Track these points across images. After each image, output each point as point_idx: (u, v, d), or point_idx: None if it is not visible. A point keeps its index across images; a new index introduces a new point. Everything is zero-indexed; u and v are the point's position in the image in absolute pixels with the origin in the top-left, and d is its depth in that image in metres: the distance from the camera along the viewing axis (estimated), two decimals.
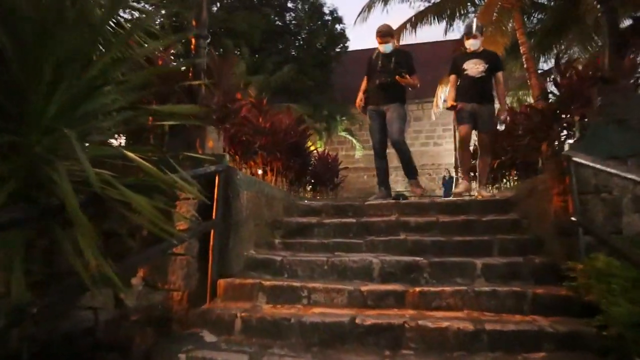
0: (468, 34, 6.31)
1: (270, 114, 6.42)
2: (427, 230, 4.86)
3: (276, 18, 24.71)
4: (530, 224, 4.60)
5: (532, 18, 14.30)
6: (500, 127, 6.27)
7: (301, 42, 24.78)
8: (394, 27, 17.01)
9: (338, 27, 25.47)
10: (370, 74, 6.43)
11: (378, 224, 4.99)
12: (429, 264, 3.99)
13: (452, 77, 6.46)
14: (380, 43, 6.28)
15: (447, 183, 21.40)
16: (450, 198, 5.96)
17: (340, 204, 5.67)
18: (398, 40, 15.07)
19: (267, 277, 4.16)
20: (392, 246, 4.49)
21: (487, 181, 6.50)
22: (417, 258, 4.07)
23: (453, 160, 23.78)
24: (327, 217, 5.32)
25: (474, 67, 6.15)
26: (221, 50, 22.21)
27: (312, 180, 8.91)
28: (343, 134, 25.44)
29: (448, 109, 6.50)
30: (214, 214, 4.00)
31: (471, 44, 6.29)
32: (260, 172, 6.39)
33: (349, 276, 4.06)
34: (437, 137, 27.78)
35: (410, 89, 6.32)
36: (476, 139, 6.35)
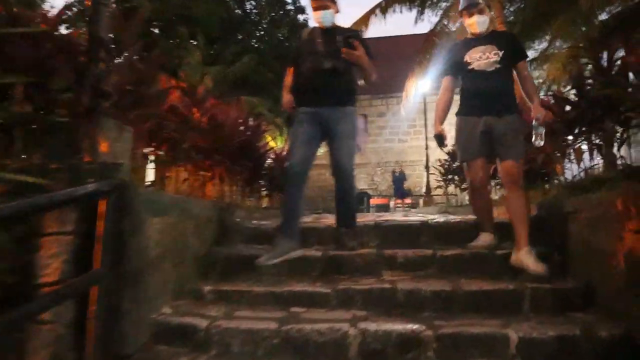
0: (470, 6, 3.68)
1: (212, 105, 4.82)
2: (421, 268, 3.40)
3: (236, 6, 22.97)
4: (572, 263, 3.19)
5: (512, 7, 13.02)
6: (540, 142, 3.75)
7: (262, 33, 23.16)
8: (361, 12, 15.58)
9: (301, 17, 23.99)
10: (301, 60, 3.81)
11: (352, 259, 3.49)
12: (436, 337, 2.51)
13: (446, 80, 3.84)
14: (315, 9, 3.75)
15: (398, 180, 20.14)
16: (446, 219, 4.33)
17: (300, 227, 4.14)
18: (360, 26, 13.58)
19: (184, 356, 2.60)
20: (374, 299, 2.99)
21: (527, 236, 3.28)
22: (416, 326, 2.58)
23: (420, 158, 22.58)
24: None
25: (482, 58, 3.56)
26: (177, 40, 20.48)
27: (267, 186, 7.37)
28: None
29: (438, 141, 3.85)
30: (97, 259, 2.43)
31: (476, 23, 3.64)
32: (203, 181, 4.83)
33: (311, 357, 2.55)
34: (401, 134, 26.60)
35: (362, 81, 3.90)
36: (498, 170, 3.66)
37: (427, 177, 17.04)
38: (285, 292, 3.09)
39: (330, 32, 3.76)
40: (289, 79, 3.93)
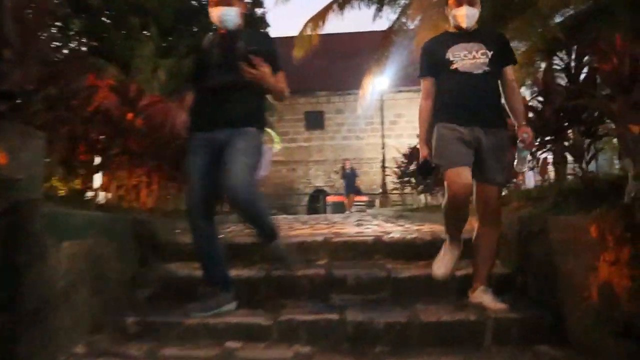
0: None
1: (149, 104, 4.35)
2: (374, 291, 3.07)
3: None
4: (536, 287, 2.92)
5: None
6: (523, 168, 3.09)
7: None
8: (318, 6, 15.19)
9: (258, 10, 23.37)
10: (201, 72, 3.09)
11: (298, 282, 3.13)
12: None
13: (427, 83, 3.05)
14: (215, 4, 3.02)
15: (349, 177, 18.40)
16: (402, 235, 3.96)
17: (243, 243, 3.75)
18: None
19: None
20: (321, 332, 2.63)
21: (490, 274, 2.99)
22: None
23: (378, 155, 22.45)
24: None
25: (468, 57, 2.90)
26: (128, 31, 19.63)
27: None
28: None
29: (423, 171, 3.17)
30: None
31: (465, 15, 2.91)
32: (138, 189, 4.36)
33: None
34: (359, 131, 26.40)
35: (271, 96, 3.16)
36: (475, 195, 2.95)
37: (384, 177, 16.75)
38: (221, 324, 2.70)
39: (233, 38, 2.97)
40: (188, 98, 3.20)
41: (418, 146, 3.23)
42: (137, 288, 3.09)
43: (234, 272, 3.20)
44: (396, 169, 9.52)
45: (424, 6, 10.15)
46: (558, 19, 11.48)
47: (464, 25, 2.95)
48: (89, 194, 3.70)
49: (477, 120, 2.84)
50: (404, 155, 8.82)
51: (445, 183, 2.86)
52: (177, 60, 19.76)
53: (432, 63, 3.04)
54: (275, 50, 3.10)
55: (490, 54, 2.90)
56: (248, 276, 3.18)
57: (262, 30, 3.17)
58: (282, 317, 2.73)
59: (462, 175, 2.76)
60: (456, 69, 2.90)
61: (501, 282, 3.08)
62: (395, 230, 4.43)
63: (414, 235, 3.84)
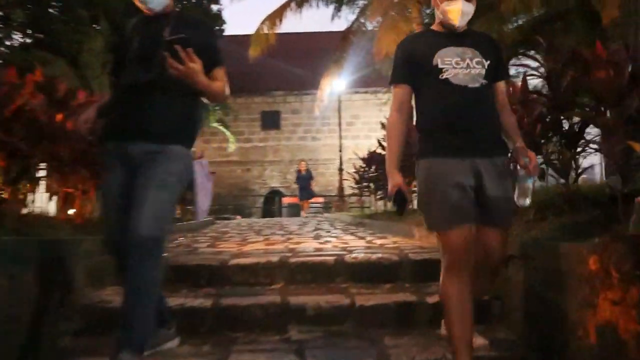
0: None
1: (84, 103, 3.84)
2: (336, 322, 2.69)
3: None
4: (515, 315, 2.61)
5: (429, 8, 12.69)
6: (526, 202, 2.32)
7: None
8: (276, 4, 14.70)
9: (214, 7, 22.68)
10: (120, 65, 2.42)
11: (250, 311, 2.72)
12: None
13: (400, 91, 2.31)
14: None
15: (303, 179, 16.64)
16: (367, 256, 3.56)
17: (188, 264, 3.31)
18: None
19: None
20: None
21: None
22: None
23: (334, 156, 22.17)
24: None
25: (461, 65, 2.21)
26: (75, 23, 18.65)
27: None
28: (215, 124, 22.77)
29: (398, 203, 2.16)
30: None
31: (460, 11, 2.19)
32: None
33: None
34: (315, 132, 26.06)
35: (206, 99, 2.43)
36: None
37: (341, 180, 16.34)
38: None
39: (160, 24, 2.31)
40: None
41: (378, 150, 2.79)
42: (60, 322, 2.61)
43: (177, 300, 2.78)
44: (354, 173, 9.14)
45: (384, 6, 9.87)
46: (515, 24, 11.50)
47: (456, 23, 2.22)
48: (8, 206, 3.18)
49: (477, 149, 2.17)
50: (363, 159, 8.47)
51: (440, 247, 2.17)
52: None
53: (411, 67, 2.30)
54: (214, 41, 2.47)
55: (487, 63, 2.24)
56: (193, 305, 2.74)
57: (202, 20, 2.47)
58: (231, 356, 2.32)
59: (459, 235, 2.08)
60: (447, 79, 2.19)
61: (475, 309, 2.76)
62: (358, 248, 4.07)
63: (379, 255, 3.47)
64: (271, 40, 12.69)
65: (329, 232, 5.88)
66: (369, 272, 3.19)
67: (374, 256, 3.40)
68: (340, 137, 17.26)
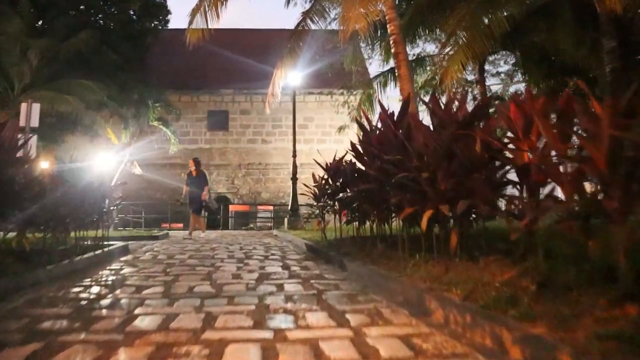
0: None
1: None
2: None
3: None
4: None
5: None
6: None
7: (108, 5, 18.95)
8: None
9: None
10: None
11: None
12: None
13: None
14: None
15: (198, 182, 11.12)
16: None
17: None
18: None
19: None
20: None
21: None
22: None
23: (286, 161, 19.95)
24: None
25: None
26: None
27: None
28: (156, 123, 20.12)
29: None
30: None
31: None
32: None
33: None
34: (265, 134, 23.82)
35: None
36: None
37: (294, 192, 13.79)
38: None
39: None
40: None
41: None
42: None
43: None
44: (313, 187, 6.88)
45: None
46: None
47: None
48: None
49: None
50: (326, 168, 6.28)
51: None
52: (55, 43, 16.13)
53: None
54: None
55: None
56: None
57: None
58: None
59: None
60: None
61: None
62: None
63: None
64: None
65: (288, 298, 3.52)
66: None
67: None
68: (294, 141, 14.97)
